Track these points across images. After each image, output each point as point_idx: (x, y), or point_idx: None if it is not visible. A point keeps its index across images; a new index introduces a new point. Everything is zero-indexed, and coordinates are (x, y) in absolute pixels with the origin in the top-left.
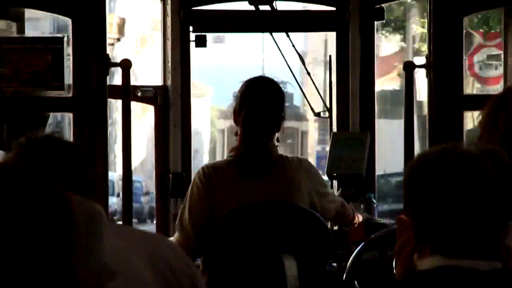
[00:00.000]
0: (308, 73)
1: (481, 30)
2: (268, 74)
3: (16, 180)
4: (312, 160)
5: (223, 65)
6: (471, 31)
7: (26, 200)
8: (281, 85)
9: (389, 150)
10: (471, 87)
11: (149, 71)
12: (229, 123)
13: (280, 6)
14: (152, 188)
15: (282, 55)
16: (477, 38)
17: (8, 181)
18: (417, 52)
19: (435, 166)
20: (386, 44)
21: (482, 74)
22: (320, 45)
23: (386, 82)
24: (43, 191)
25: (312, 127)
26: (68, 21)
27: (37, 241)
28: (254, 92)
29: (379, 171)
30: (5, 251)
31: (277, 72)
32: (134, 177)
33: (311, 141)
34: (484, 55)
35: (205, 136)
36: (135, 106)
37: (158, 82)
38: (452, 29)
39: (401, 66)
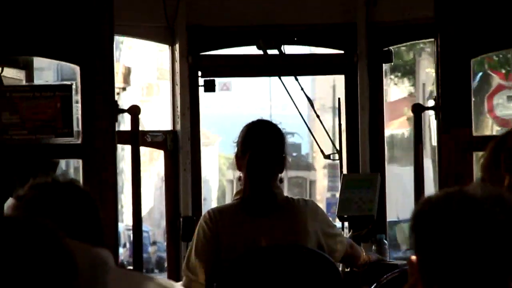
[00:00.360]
0: (317, 116)
1: (502, 71)
2: (275, 122)
3: (17, 234)
4: (322, 206)
5: (230, 114)
6: (490, 72)
7: (27, 255)
8: (283, 130)
9: (401, 196)
10: (490, 129)
11: (155, 120)
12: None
13: (288, 50)
14: (159, 238)
15: (291, 97)
16: (496, 79)
17: (9, 235)
18: (430, 96)
19: (441, 209)
20: (395, 90)
21: (501, 115)
22: (328, 91)
23: (395, 126)
24: (44, 245)
25: (321, 175)
26: (76, 68)
27: None
28: (255, 135)
29: (392, 217)
30: None
31: (284, 119)
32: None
33: (320, 188)
34: (504, 96)
35: (213, 184)
36: (141, 155)
37: (167, 128)
38: (460, 71)
39: (410, 111)
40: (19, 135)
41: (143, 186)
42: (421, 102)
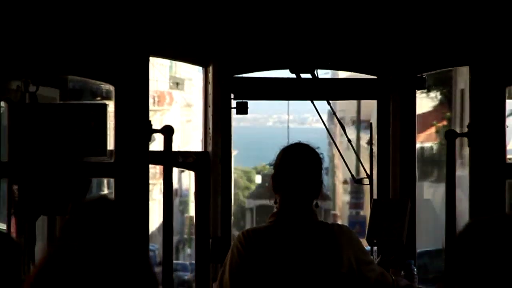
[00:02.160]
0: (349, 140)
1: None
2: (294, 137)
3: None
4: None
5: (246, 127)
6: None
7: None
8: (321, 156)
9: (428, 217)
10: None
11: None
12: (258, 202)
13: (321, 74)
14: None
15: (325, 124)
16: None
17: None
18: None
19: (486, 233)
20: (424, 100)
21: None
22: (349, 103)
23: (422, 139)
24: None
25: (340, 190)
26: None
27: None
28: (293, 159)
29: (420, 246)
30: None
31: (302, 133)
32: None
33: (339, 204)
34: None
35: None
36: (152, 167)
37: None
38: (494, 99)
39: (438, 124)
40: (53, 153)
41: (155, 200)
42: (458, 111)
